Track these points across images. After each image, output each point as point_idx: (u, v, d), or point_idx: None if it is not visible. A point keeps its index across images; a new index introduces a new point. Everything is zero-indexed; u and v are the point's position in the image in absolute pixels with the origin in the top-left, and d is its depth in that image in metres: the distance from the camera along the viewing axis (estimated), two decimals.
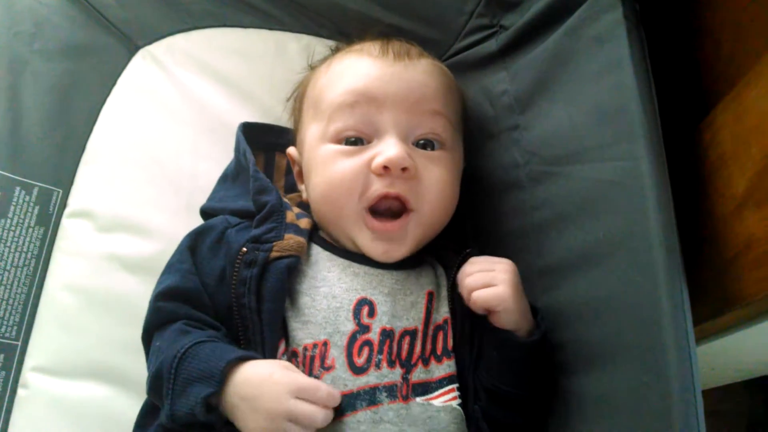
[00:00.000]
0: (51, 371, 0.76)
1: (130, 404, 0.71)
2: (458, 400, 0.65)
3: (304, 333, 0.64)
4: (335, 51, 0.81)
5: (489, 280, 0.64)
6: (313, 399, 0.57)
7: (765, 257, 0.54)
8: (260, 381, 0.57)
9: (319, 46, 0.91)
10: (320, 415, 0.56)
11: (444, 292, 0.70)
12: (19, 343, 0.77)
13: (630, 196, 0.60)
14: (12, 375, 0.76)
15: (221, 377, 0.57)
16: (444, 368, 0.66)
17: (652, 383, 0.53)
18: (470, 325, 0.67)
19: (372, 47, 0.74)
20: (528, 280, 0.70)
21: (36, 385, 0.76)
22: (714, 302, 0.60)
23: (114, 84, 0.88)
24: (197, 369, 0.58)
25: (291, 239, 0.68)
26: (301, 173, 0.78)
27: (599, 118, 0.65)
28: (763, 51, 0.57)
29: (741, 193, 0.57)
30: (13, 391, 0.76)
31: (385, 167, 0.66)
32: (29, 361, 0.77)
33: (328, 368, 0.62)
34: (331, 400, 0.58)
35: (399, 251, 0.69)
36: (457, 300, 0.68)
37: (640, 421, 0.55)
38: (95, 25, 0.87)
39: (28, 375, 0.76)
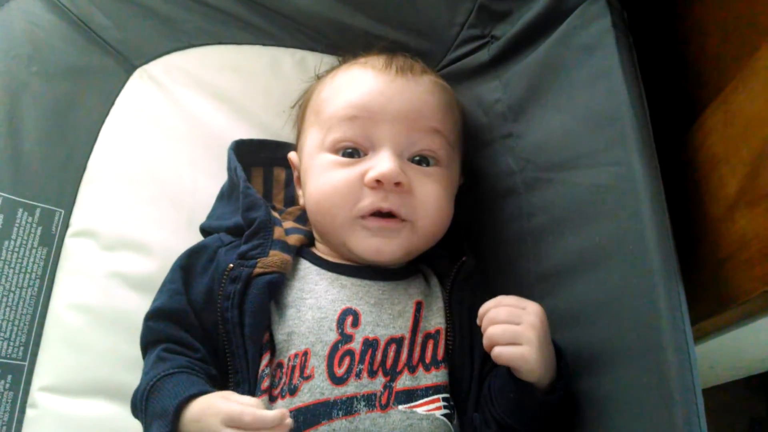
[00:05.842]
0: (59, 390, 0.76)
1: (138, 421, 0.72)
2: (443, 411, 0.64)
3: (288, 344, 0.65)
4: (342, 62, 0.83)
5: (514, 337, 0.60)
6: (240, 426, 0.56)
7: (758, 257, 0.55)
8: (199, 415, 0.58)
9: (314, 60, 0.92)
10: None
11: (437, 303, 0.70)
12: (26, 364, 0.78)
13: (624, 200, 0.61)
14: (20, 395, 0.76)
15: (173, 418, 0.58)
16: (432, 377, 0.66)
17: (653, 384, 0.54)
18: (470, 338, 0.67)
19: (376, 61, 0.75)
20: (526, 286, 0.71)
21: (44, 405, 0.76)
22: (710, 302, 0.61)
23: (113, 104, 0.88)
24: (159, 406, 0.60)
25: (276, 256, 0.69)
26: (300, 179, 0.79)
27: (592, 124, 0.66)
28: (748, 53, 0.58)
29: (733, 195, 0.58)
30: (22, 411, 0.76)
31: (378, 181, 0.67)
32: (37, 381, 0.77)
33: (307, 377, 0.63)
34: (256, 424, 0.56)
35: (391, 248, 0.69)
36: (455, 312, 0.69)
37: (642, 422, 0.55)
38: (92, 46, 0.88)
39: (36, 395, 0.76)
